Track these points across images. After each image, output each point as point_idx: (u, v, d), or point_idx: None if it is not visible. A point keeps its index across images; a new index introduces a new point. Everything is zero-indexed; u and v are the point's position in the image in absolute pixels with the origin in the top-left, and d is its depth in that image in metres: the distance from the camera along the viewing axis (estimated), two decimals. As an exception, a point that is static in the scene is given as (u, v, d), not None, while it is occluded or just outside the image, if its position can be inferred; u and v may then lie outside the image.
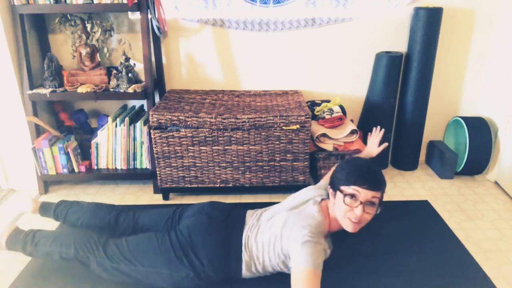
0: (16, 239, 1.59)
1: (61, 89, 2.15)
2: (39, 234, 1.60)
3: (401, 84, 2.41)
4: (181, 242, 1.49)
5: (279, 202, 1.70)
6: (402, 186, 2.34)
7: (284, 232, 1.43)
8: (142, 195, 2.27)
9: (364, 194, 1.40)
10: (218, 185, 2.16)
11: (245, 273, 1.50)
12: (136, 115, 2.33)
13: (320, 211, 1.49)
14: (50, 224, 1.92)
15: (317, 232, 1.40)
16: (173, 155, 2.08)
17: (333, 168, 1.62)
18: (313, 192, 1.61)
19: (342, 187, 1.43)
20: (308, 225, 1.40)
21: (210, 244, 1.49)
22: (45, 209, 1.82)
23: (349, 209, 1.42)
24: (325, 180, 1.77)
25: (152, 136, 2.04)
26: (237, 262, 1.49)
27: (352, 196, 1.41)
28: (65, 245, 1.53)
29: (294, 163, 2.11)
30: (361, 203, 1.41)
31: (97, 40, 2.26)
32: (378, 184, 1.42)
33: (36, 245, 1.56)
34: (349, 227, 1.46)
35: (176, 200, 2.22)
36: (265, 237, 1.48)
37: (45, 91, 2.12)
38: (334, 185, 1.48)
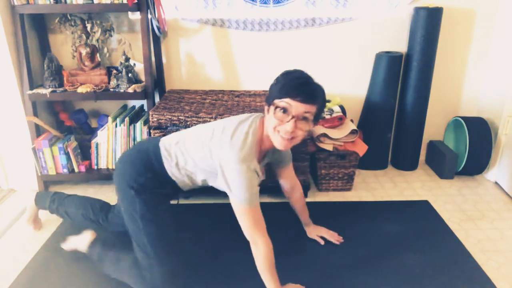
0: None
1: (61, 89, 2.15)
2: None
3: (401, 84, 2.41)
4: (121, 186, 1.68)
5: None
6: (402, 186, 2.34)
7: (214, 143, 1.42)
8: (142, 195, 2.26)
9: (296, 107, 1.31)
10: (218, 185, 2.16)
11: (170, 171, 1.53)
12: (136, 115, 2.33)
13: (256, 128, 1.43)
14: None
15: (247, 151, 1.36)
16: (173, 155, 2.08)
17: None
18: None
19: (276, 100, 1.34)
20: (239, 144, 1.37)
21: (133, 164, 1.59)
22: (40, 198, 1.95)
23: (280, 124, 1.34)
24: None
25: (152, 136, 2.04)
26: (158, 161, 1.53)
27: (284, 110, 1.32)
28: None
29: (294, 163, 2.10)
30: (293, 117, 1.32)
31: (97, 40, 2.26)
32: (312, 97, 1.32)
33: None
34: (279, 144, 1.38)
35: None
36: (194, 141, 1.50)
37: (45, 91, 2.12)
38: (268, 98, 1.39)
